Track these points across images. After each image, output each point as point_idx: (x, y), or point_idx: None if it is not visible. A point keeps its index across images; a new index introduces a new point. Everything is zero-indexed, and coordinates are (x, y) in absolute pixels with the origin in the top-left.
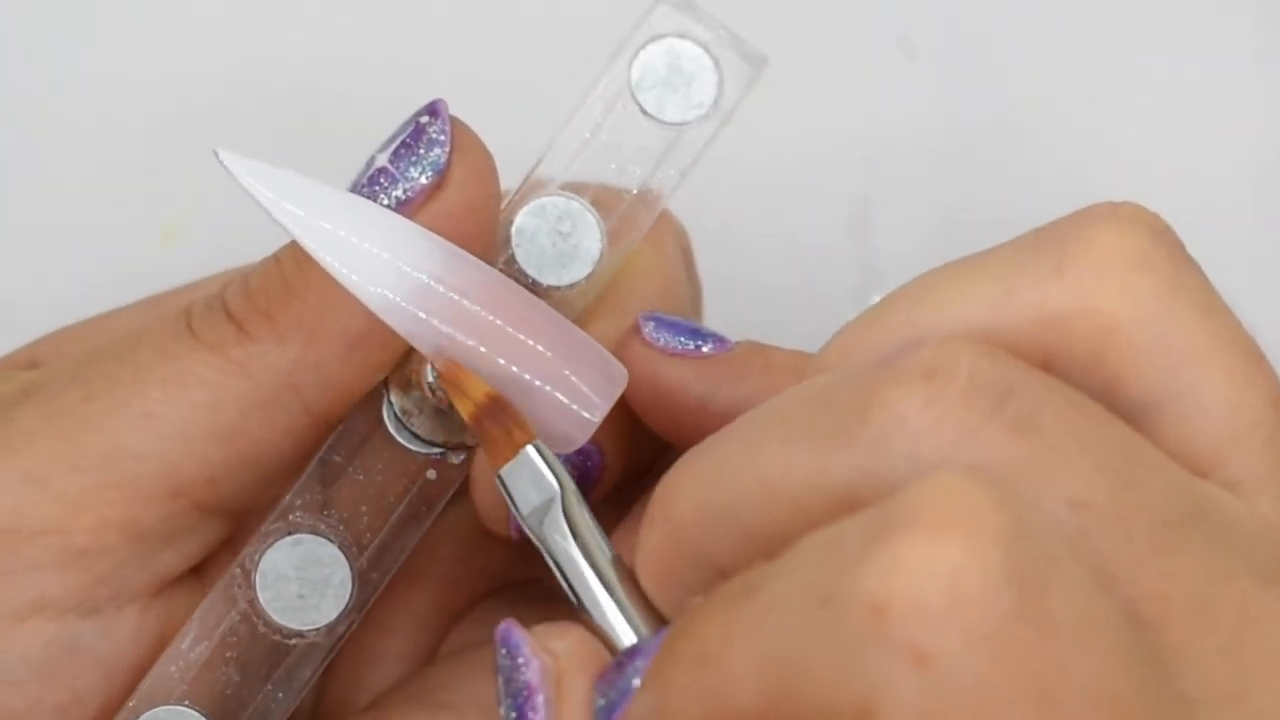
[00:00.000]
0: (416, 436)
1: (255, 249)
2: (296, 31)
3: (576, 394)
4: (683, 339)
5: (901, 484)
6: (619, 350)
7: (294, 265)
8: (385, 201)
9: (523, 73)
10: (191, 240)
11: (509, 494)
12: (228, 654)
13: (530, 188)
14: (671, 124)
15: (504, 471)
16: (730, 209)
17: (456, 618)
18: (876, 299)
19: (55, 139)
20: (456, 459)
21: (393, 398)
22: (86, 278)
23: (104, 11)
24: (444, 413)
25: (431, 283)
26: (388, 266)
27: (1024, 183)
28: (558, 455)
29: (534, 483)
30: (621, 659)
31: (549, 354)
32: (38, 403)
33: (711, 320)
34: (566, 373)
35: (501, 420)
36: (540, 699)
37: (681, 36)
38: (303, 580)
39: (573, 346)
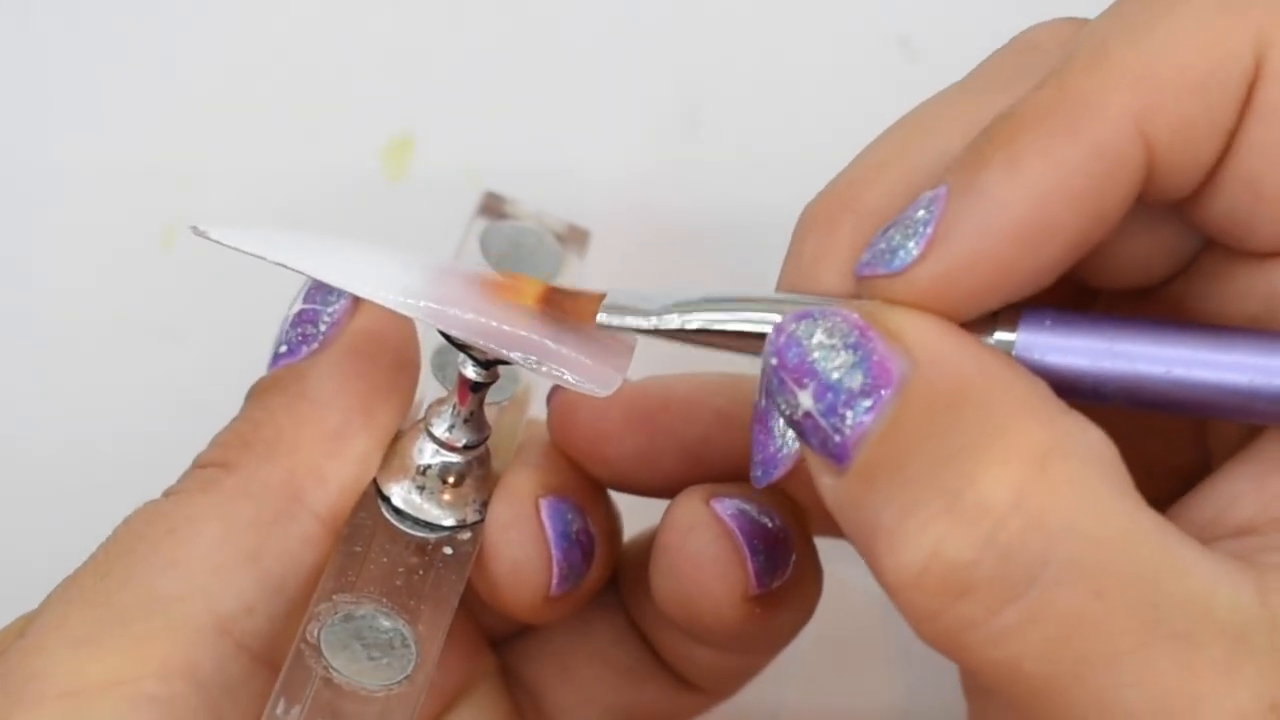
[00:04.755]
0: (420, 523)
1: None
2: (297, 32)
3: (600, 351)
4: None
5: None
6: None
7: (252, 409)
8: (322, 326)
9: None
10: (191, 240)
11: (620, 327)
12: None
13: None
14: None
15: (601, 317)
16: (730, 209)
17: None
18: None
19: (55, 139)
20: (464, 536)
21: (389, 492)
22: (87, 278)
23: (104, 11)
24: (444, 491)
25: (443, 274)
26: (396, 272)
27: None
28: (568, 509)
29: (637, 302)
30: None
31: (566, 323)
32: (52, 599)
33: None
34: (585, 332)
35: (565, 294)
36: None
37: (518, 223)
38: (368, 645)
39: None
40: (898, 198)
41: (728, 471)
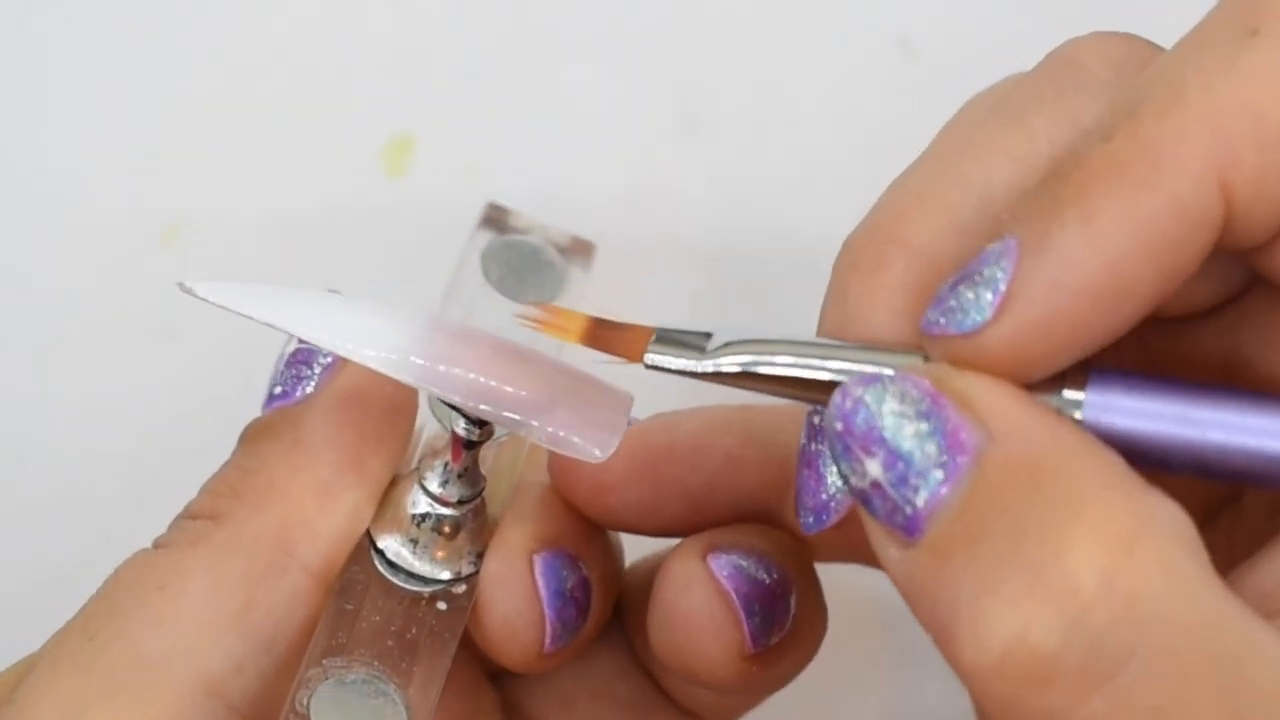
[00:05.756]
0: (414, 576)
1: (255, 249)
2: (297, 32)
3: (593, 415)
4: None
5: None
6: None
7: (244, 455)
8: (317, 368)
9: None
10: (191, 240)
11: (670, 369)
12: None
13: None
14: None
15: (650, 356)
16: (730, 209)
17: None
18: None
19: (55, 139)
20: (459, 589)
21: (380, 545)
22: (87, 278)
23: (104, 11)
24: (438, 543)
25: (431, 331)
26: (386, 331)
27: None
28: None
29: (686, 341)
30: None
31: (559, 379)
32: (42, 658)
33: (712, 319)
34: (580, 393)
35: (611, 329)
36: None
37: (522, 239)
38: (358, 712)
39: (576, 376)
40: (944, 234)
41: (733, 513)
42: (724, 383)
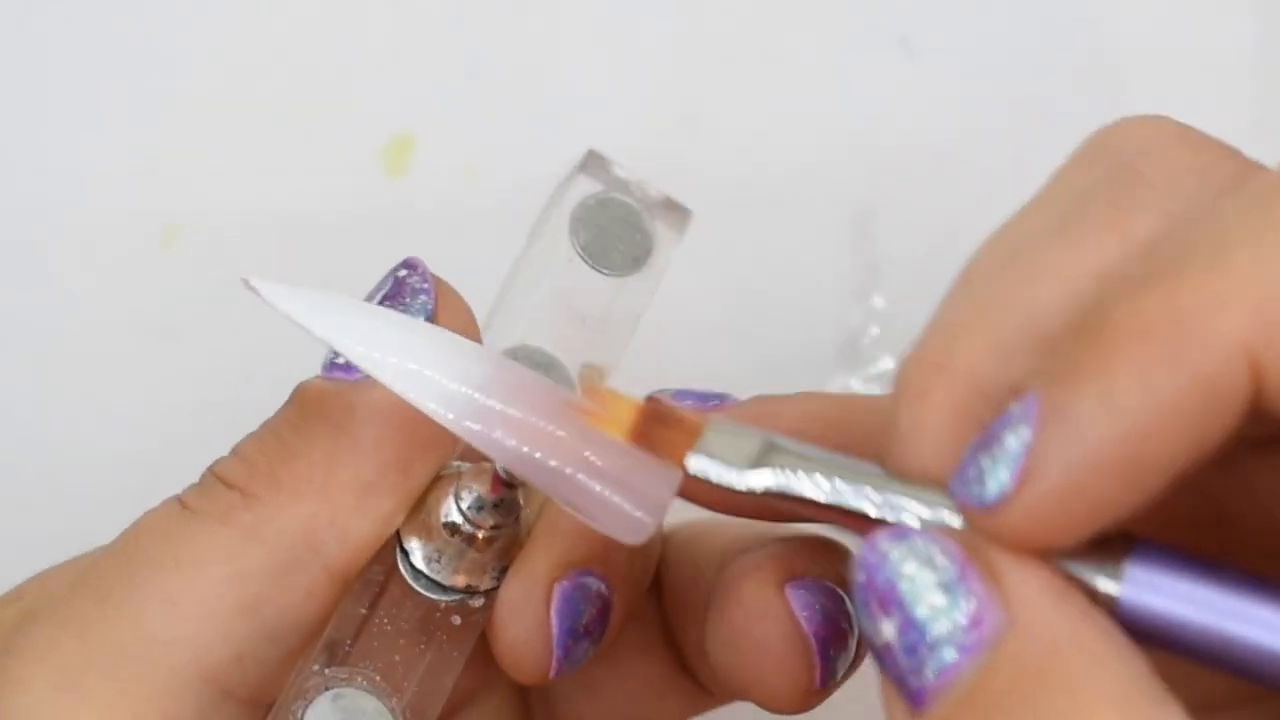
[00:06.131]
0: (435, 584)
1: (255, 249)
2: (298, 32)
3: (635, 496)
4: (703, 401)
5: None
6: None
7: (290, 428)
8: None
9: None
10: (191, 240)
11: (714, 482)
12: None
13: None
14: (616, 277)
15: (692, 461)
16: (730, 209)
17: None
18: (877, 300)
19: (55, 139)
20: (476, 603)
21: (409, 547)
22: (87, 278)
23: (104, 11)
24: (465, 554)
25: (478, 396)
26: (439, 384)
27: (1024, 183)
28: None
29: (733, 451)
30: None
31: (603, 458)
32: (49, 614)
33: (712, 318)
34: (623, 474)
35: (664, 422)
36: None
37: (614, 196)
38: None
39: (624, 451)
40: (990, 360)
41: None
42: (760, 502)
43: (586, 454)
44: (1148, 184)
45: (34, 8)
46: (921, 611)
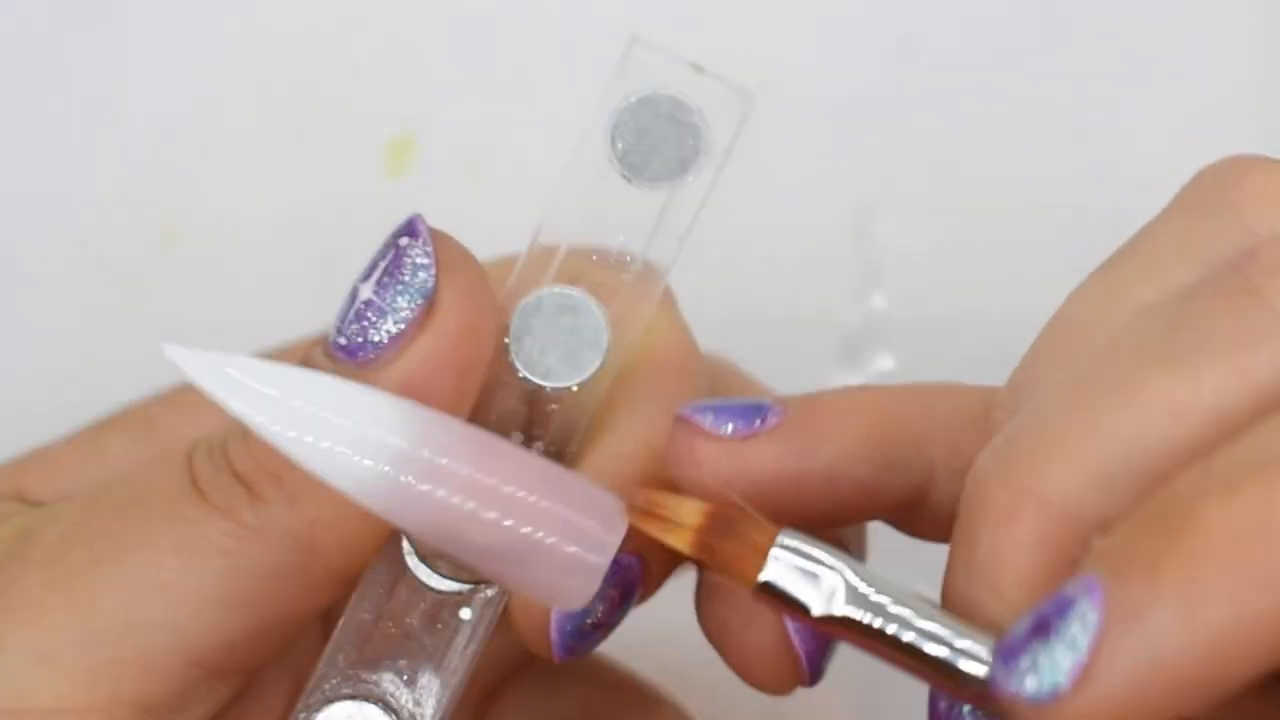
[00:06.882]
0: (444, 575)
1: (255, 250)
2: (299, 32)
3: (582, 538)
4: (746, 420)
5: None
6: (666, 449)
7: None
8: (377, 338)
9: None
10: (191, 240)
11: (786, 602)
12: None
13: (520, 282)
14: (662, 186)
15: (767, 578)
16: (729, 208)
17: (486, 703)
18: (877, 299)
19: (55, 138)
20: (490, 591)
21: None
22: (87, 278)
23: (104, 12)
24: None
25: (409, 448)
26: (362, 438)
27: (1024, 183)
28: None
29: (807, 577)
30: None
31: (546, 503)
32: (42, 564)
33: (711, 317)
34: (568, 519)
35: (734, 530)
36: None
37: (658, 92)
38: None
39: (567, 490)
40: (1085, 490)
41: (839, 519)
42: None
43: (524, 497)
44: (1275, 311)
45: (34, 8)
46: None
